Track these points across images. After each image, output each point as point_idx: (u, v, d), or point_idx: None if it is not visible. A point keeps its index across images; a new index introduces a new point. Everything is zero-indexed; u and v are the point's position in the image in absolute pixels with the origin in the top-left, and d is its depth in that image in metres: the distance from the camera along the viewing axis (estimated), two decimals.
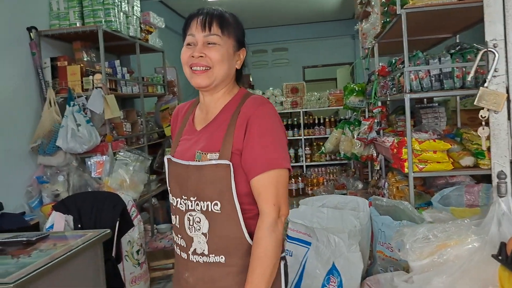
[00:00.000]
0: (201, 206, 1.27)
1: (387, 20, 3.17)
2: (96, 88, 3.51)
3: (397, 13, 2.74)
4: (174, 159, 1.36)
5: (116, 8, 3.85)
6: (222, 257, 1.27)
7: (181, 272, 1.36)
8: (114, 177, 3.42)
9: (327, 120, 7.04)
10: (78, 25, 3.71)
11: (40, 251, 1.83)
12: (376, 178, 4.23)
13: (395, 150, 2.91)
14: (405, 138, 2.79)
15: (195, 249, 1.29)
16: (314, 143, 7.21)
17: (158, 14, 5.01)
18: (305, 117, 7.14)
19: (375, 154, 4.10)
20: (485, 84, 1.59)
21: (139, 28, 4.44)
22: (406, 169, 2.75)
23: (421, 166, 2.73)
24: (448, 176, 2.94)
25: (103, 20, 3.73)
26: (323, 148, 5.52)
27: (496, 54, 1.58)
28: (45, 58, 3.59)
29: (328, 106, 7.11)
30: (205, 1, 6.30)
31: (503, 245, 1.35)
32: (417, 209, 2.62)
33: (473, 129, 2.92)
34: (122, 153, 3.66)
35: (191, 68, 1.31)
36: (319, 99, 7.13)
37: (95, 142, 3.40)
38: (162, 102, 5.09)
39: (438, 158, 2.72)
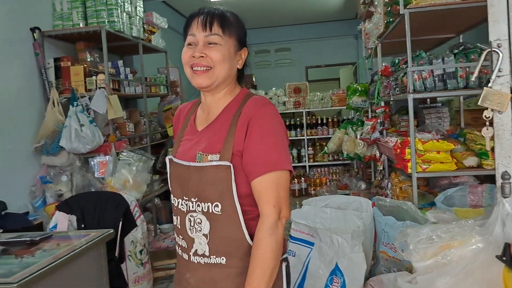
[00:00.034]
0: (202, 207, 1.27)
1: (390, 20, 3.16)
2: (99, 88, 3.52)
3: (400, 13, 2.74)
4: (175, 160, 1.35)
5: (119, 8, 3.85)
6: (223, 259, 1.26)
7: (182, 273, 1.36)
8: (117, 177, 3.43)
9: (330, 120, 7.04)
10: (81, 25, 3.72)
11: (43, 251, 1.83)
12: (379, 178, 4.23)
13: (398, 150, 2.90)
14: (408, 138, 2.78)
15: (196, 250, 1.29)
16: (317, 143, 7.20)
17: (161, 15, 5.02)
18: (308, 117, 7.14)
19: (378, 154, 4.09)
20: (489, 84, 1.58)
21: (142, 29, 4.45)
22: (409, 170, 2.75)
23: (424, 167, 2.72)
24: (452, 177, 2.93)
25: (106, 20, 3.74)
26: (326, 148, 5.52)
27: (500, 54, 1.57)
28: (48, 58, 3.60)
29: (331, 106, 7.11)
30: (208, 1, 6.31)
31: (507, 246, 1.35)
32: (421, 210, 2.61)
33: (476, 129, 2.91)
34: (125, 153, 3.67)
35: (192, 68, 1.30)
36: (322, 99, 7.13)
37: (98, 142, 3.41)
38: (165, 102, 5.10)
39: (441, 158, 2.71)
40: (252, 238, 1.26)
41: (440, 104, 3.92)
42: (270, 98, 7.18)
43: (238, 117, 1.27)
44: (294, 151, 7.14)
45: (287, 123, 7.05)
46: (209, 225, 1.26)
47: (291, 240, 2.76)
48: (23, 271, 1.56)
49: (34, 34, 3.47)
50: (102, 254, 2.07)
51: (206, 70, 1.28)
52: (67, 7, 3.74)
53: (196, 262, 1.29)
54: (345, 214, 2.78)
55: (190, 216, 1.29)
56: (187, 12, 1.38)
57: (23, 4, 3.41)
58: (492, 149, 1.66)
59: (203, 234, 1.27)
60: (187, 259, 1.32)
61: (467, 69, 2.69)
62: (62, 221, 2.66)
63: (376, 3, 3.68)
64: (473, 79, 1.76)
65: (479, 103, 1.59)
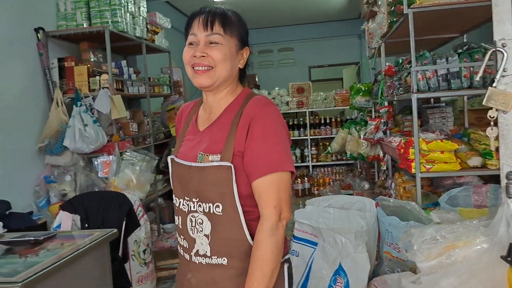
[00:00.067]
0: (203, 207, 1.26)
1: (394, 19, 3.16)
2: (103, 88, 3.52)
3: (404, 12, 2.73)
4: (177, 160, 1.35)
5: (122, 8, 3.86)
6: (224, 259, 1.26)
7: (183, 273, 1.35)
8: (121, 177, 3.43)
9: (333, 120, 7.03)
10: (85, 25, 3.73)
11: (47, 250, 1.84)
12: (382, 178, 4.22)
13: (402, 150, 2.90)
14: (412, 138, 2.77)
15: (198, 250, 1.28)
16: (320, 143, 7.20)
17: (164, 15, 5.02)
18: (311, 117, 7.14)
19: (381, 154, 4.08)
20: (494, 84, 1.57)
21: (145, 29, 4.45)
22: (413, 170, 2.74)
23: (428, 167, 2.72)
24: (456, 177, 2.93)
25: (110, 20, 3.75)
26: (329, 148, 5.51)
27: (505, 54, 1.56)
28: (52, 58, 3.61)
29: (334, 106, 7.10)
30: (211, 0, 6.32)
31: None
32: (424, 210, 2.61)
33: (480, 129, 2.90)
34: (128, 153, 3.67)
35: (193, 68, 1.29)
36: (325, 99, 7.12)
37: (102, 142, 3.42)
38: (168, 102, 5.10)
39: (445, 158, 2.70)
40: (253, 239, 1.25)
41: (444, 104, 3.91)
42: (273, 98, 7.18)
43: (240, 117, 1.26)
44: (297, 151, 7.13)
45: (290, 123, 7.05)
46: (211, 226, 1.25)
47: (294, 240, 2.75)
48: (27, 271, 1.56)
49: (38, 34, 3.49)
50: (105, 253, 2.08)
51: (207, 69, 1.27)
52: (71, 7, 3.75)
53: (197, 262, 1.29)
54: (349, 214, 2.78)
55: (192, 216, 1.28)
56: (190, 12, 1.37)
57: (27, 4, 3.42)
58: (497, 149, 1.65)
59: (205, 235, 1.26)
60: (188, 259, 1.31)
61: (471, 69, 2.68)
62: (66, 220, 2.67)
63: (379, 2, 3.67)
64: (477, 78, 1.75)
65: (483, 103, 1.59)
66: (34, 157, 3.38)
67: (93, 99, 3.53)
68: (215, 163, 1.23)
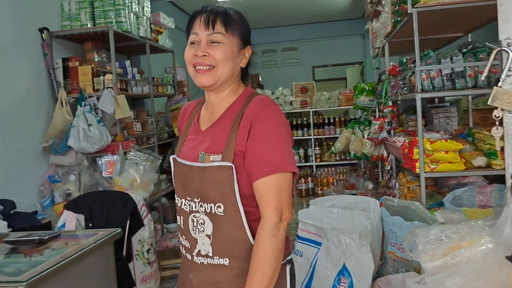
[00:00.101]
0: (204, 207, 1.25)
1: (398, 19, 3.15)
2: (107, 88, 3.53)
3: (408, 12, 2.72)
4: (178, 159, 1.34)
5: (126, 9, 3.87)
6: (226, 260, 1.25)
7: (185, 273, 1.35)
8: (125, 176, 3.44)
9: (337, 119, 7.02)
10: (89, 25, 3.74)
11: (52, 250, 1.85)
12: (386, 178, 4.21)
13: (406, 150, 2.89)
14: (416, 138, 2.77)
15: (199, 250, 1.28)
16: (324, 143, 7.19)
17: (168, 15, 5.03)
18: (315, 117, 7.13)
19: (385, 154, 4.07)
20: (499, 84, 1.57)
21: (149, 29, 4.46)
22: (417, 169, 2.73)
23: (432, 166, 2.71)
24: (460, 177, 2.91)
25: (114, 20, 3.76)
26: (333, 148, 5.50)
27: (510, 53, 1.56)
28: (56, 58, 3.62)
29: (338, 106, 7.09)
30: (215, 0, 6.32)
31: None
32: (429, 210, 2.60)
33: (485, 129, 2.89)
34: (132, 153, 3.68)
35: (194, 67, 1.28)
36: (329, 98, 7.11)
37: (106, 141, 3.43)
38: (172, 102, 5.11)
39: (450, 158, 2.69)
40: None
41: (448, 104, 3.90)
42: (277, 98, 7.18)
43: (241, 117, 1.25)
44: (301, 151, 7.13)
45: (294, 123, 7.05)
46: (212, 226, 1.25)
47: (298, 240, 2.75)
48: (32, 270, 1.57)
49: (43, 34, 3.50)
50: (109, 253, 2.08)
51: (209, 69, 1.26)
52: (75, 7, 3.76)
53: (199, 262, 1.28)
54: (353, 214, 2.77)
55: (193, 216, 1.28)
56: None
57: (32, 5, 3.43)
58: (502, 149, 1.65)
59: (206, 235, 1.26)
60: (190, 259, 1.31)
61: (476, 69, 2.67)
62: (70, 220, 2.68)
63: (383, 2, 3.66)
64: (482, 78, 1.74)
65: (488, 103, 1.58)
66: (39, 156, 3.39)
67: (97, 99, 3.54)
68: (216, 163, 1.22)
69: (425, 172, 2.70)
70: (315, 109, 7.09)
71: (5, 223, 2.52)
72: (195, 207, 1.27)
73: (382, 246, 2.71)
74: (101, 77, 3.60)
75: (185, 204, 1.30)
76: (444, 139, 2.73)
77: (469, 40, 3.54)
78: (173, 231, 4.42)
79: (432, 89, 2.74)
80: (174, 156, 1.38)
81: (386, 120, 3.83)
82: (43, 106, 3.49)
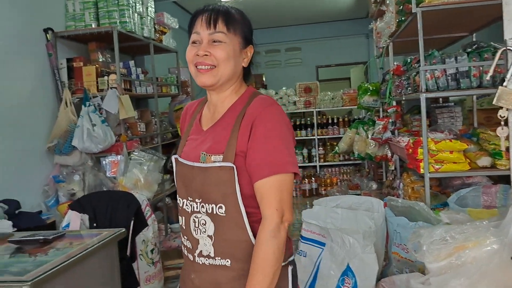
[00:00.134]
0: (206, 208, 1.25)
1: (402, 18, 3.14)
2: (111, 88, 3.54)
3: (413, 11, 2.71)
4: (180, 160, 1.33)
5: (130, 9, 3.88)
6: (228, 261, 1.24)
7: (187, 273, 1.35)
8: (129, 176, 3.45)
9: (340, 120, 7.00)
10: (93, 26, 3.75)
11: (56, 249, 1.85)
12: (390, 178, 4.20)
13: (410, 150, 2.88)
14: (421, 138, 2.76)
15: (201, 251, 1.27)
16: (328, 143, 7.17)
17: (172, 15, 5.04)
18: (319, 117, 7.12)
19: (389, 154, 4.06)
20: (504, 84, 1.56)
21: (153, 29, 4.47)
22: (422, 170, 2.72)
23: (437, 167, 2.70)
24: (465, 177, 2.90)
25: (118, 21, 3.77)
26: (336, 148, 5.49)
27: None
28: (61, 59, 3.64)
29: (342, 106, 7.07)
30: (219, 0, 6.32)
31: None
32: (433, 210, 2.59)
33: (490, 129, 2.87)
34: (136, 153, 3.69)
35: (196, 66, 1.27)
36: (332, 98, 7.10)
37: (110, 142, 3.44)
38: (176, 102, 5.12)
39: (454, 158, 2.68)
40: None
41: (452, 104, 3.89)
42: (281, 98, 7.17)
43: (243, 117, 1.25)
44: (305, 151, 7.12)
45: (298, 123, 7.04)
46: (214, 227, 1.24)
47: (302, 241, 2.75)
48: (36, 270, 1.57)
49: (47, 35, 3.51)
50: (114, 253, 2.08)
51: (210, 68, 1.26)
52: (80, 8, 3.77)
53: (201, 263, 1.28)
54: (356, 214, 2.77)
55: (195, 217, 1.27)
56: None
57: (36, 5, 3.45)
58: (507, 149, 1.64)
59: (208, 236, 1.25)
60: (192, 260, 1.30)
61: (481, 68, 2.66)
62: (74, 220, 2.69)
63: (387, 1, 3.65)
64: (488, 78, 1.74)
65: (494, 102, 1.57)
66: (43, 157, 3.41)
67: (102, 99, 3.55)
68: (217, 164, 1.21)
69: (429, 173, 2.69)
70: (318, 109, 7.08)
71: (10, 222, 2.53)
72: (197, 208, 1.27)
73: (386, 247, 2.70)
74: (105, 77, 3.61)
75: (186, 205, 1.30)
76: (449, 139, 2.72)
77: (474, 39, 3.53)
78: (176, 231, 4.43)
79: (436, 89, 2.73)
80: (176, 156, 1.37)
81: (390, 120, 3.83)
82: (47, 106, 3.51)
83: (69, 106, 3.46)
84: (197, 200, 1.26)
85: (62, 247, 1.87)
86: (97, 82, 3.59)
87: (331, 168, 7.01)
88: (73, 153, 3.42)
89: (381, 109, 4.75)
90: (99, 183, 3.38)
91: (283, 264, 1.25)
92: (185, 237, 1.33)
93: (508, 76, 1.55)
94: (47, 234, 2.01)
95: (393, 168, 4.02)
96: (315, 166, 7.08)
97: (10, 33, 3.14)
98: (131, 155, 3.65)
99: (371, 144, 4.46)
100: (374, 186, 5.07)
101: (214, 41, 1.26)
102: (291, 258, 1.32)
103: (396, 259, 2.53)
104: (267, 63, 9.20)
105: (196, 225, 1.27)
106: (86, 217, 2.74)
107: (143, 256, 3.11)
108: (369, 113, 5.35)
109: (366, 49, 8.86)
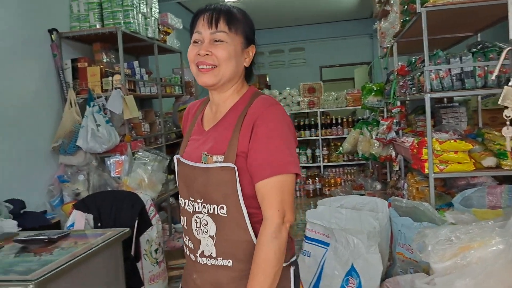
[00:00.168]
0: (207, 208, 1.24)
1: (407, 18, 3.13)
2: (115, 88, 3.55)
3: (417, 11, 2.71)
4: (182, 160, 1.33)
5: (134, 9, 3.89)
6: (229, 261, 1.24)
7: (189, 273, 1.34)
8: (133, 176, 3.46)
9: (344, 120, 6.99)
10: (98, 26, 3.76)
11: (61, 249, 1.86)
12: (395, 178, 4.19)
13: (415, 150, 2.87)
14: (425, 138, 2.75)
15: (203, 251, 1.27)
16: (332, 143, 7.17)
17: (176, 15, 5.05)
18: (323, 117, 7.11)
19: (394, 155, 4.05)
20: (510, 83, 1.55)
21: (157, 29, 4.48)
22: (426, 170, 2.71)
23: (441, 167, 2.69)
24: (469, 177, 2.89)
25: (122, 21, 3.78)
26: (340, 148, 5.48)
27: None
28: (66, 59, 3.65)
29: (346, 106, 7.06)
30: (222, 0, 6.32)
31: None
32: (438, 211, 2.58)
33: (495, 129, 2.86)
34: (140, 153, 3.70)
35: (197, 66, 1.27)
36: (336, 99, 7.09)
37: (114, 142, 3.45)
38: (180, 103, 5.13)
39: (459, 158, 2.67)
40: None
41: (457, 104, 3.87)
42: (284, 98, 7.17)
43: (244, 117, 1.24)
44: (309, 151, 7.11)
45: (301, 123, 7.03)
46: (215, 227, 1.24)
47: (306, 241, 2.75)
48: (41, 269, 1.58)
49: (52, 35, 3.53)
50: (118, 252, 2.09)
51: (211, 68, 1.25)
52: (84, 8, 3.79)
53: (202, 263, 1.28)
54: (361, 214, 2.76)
55: (196, 217, 1.27)
56: None
57: (41, 6, 3.46)
58: None
59: (210, 236, 1.25)
60: (194, 260, 1.30)
61: (486, 68, 2.64)
62: (79, 219, 2.70)
63: (392, 1, 3.64)
64: (493, 77, 1.73)
65: (499, 102, 1.57)
66: (48, 157, 3.42)
67: (106, 99, 3.56)
68: (218, 164, 1.21)
69: (434, 173, 2.69)
70: (322, 110, 7.07)
71: (15, 222, 2.54)
72: (198, 208, 1.26)
73: (390, 247, 2.69)
74: (110, 78, 3.62)
75: (188, 205, 1.30)
76: (453, 140, 2.71)
77: (479, 39, 3.51)
78: (180, 231, 4.43)
79: (441, 89, 2.72)
80: (178, 156, 1.37)
81: (395, 120, 3.81)
82: (52, 106, 3.52)
83: (74, 107, 3.48)
84: (198, 201, 1.26)
85: (66, 247, 1.88)
86: (101, 83, 3.61)
87: (335, 168, 7.00)
88: (78, 153, 3.43)
89: (385, 109, 4.74)
90: (104, 183, 3.39)
91: (285, 264, 1.25)
92: (187, 237, 1.32)
93: None
94: (52, 233, 2.02)
95: (397, 168, 4.01)
96: (319, 167, 7.07)
97: (15, 34, 3.15)
98: (136, 155, 3.66)
99: (375, 145, 4.45)
100: (378, 186, 5.06)
101: (216, 41, 1.25)
102: (293, 259, 1.32)
103: (400, 260, 2.52)
104: (271, 64, 9.19)
105: (198, 226, 1.27)
106: (90, 216, 2.75)
107: (147, 255, 3.12)
108: (373, 113, 5.33)
109: (370, 49, 8.84)
